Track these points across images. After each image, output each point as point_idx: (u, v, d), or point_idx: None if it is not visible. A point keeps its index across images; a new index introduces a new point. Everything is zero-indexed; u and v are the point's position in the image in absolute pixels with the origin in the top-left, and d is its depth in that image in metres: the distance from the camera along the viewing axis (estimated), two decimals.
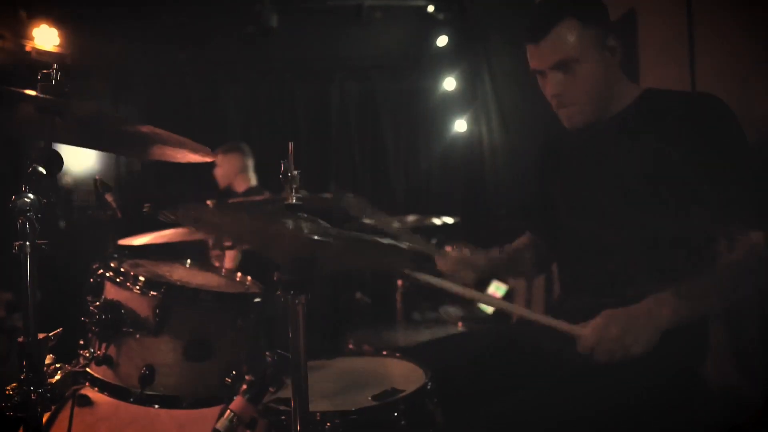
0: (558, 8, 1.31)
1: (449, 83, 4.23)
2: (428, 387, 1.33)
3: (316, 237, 0.89)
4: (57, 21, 3.72)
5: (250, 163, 3.37)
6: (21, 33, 3.62)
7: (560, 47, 1.31)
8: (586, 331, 1.15)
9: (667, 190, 1.28)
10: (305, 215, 1.00)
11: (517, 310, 1.40)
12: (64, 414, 1.36)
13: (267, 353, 1.19)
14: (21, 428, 1.03)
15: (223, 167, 3.34)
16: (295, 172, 1.01)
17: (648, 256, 1.32)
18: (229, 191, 3.31)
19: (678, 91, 1.40)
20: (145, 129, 1.11)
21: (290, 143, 0.97)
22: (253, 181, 3.35)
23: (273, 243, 1.07)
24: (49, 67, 1.05)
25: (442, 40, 4.07)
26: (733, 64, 1.64)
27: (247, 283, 1.53)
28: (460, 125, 4.21)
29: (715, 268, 1.22)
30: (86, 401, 1.40)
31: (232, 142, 3.44)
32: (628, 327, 1.12)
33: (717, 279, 1.20)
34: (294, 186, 1.01)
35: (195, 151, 1.20)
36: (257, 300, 1.41)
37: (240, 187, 3.31)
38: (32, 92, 1.02)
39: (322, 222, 1.01)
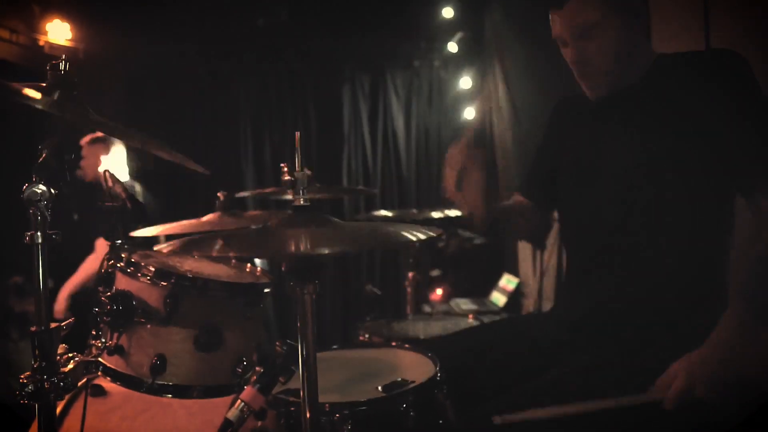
0: None
1: (462, 76, 4.20)
2: (437, 378, 1.33)
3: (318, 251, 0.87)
4: (69, 15, 3.74)
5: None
6: (34, 27, 3.65)
7: (584, 10, 1.26)
8: (670, 395, 1.09)
9: (679, 160, 1.24)
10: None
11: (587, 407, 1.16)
12: (78, 403, 1.37)
13: (277, 343, 1.19)
14: (35, 417, 1.05)
15: (88, 159, 3.12)
16: (307, 172, 0.97)
17: (656, 232, 1.29)
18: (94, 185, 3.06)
19: (691, 53, 1.34)
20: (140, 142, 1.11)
21: (297, 133, 0.94)
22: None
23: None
24: (59, 58, 1.05)
25: (456, 35, 4.05)
26: (748, 27, 1.59)
27: (258, 273, 1.53)
28: (471, 114, 4.18)
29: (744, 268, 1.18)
30: (100, 391, 1.41)
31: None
32: (711, 382, 1.07)
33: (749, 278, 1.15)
34: (302, 188, 0.96)
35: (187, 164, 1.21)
36: (267, 290, 1.41)
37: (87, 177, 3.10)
38: (41, 85, 1.02)
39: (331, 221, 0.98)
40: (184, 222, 1.94)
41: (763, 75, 1.21)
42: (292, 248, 0.88)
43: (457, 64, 4.26)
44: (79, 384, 1.33)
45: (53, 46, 3.68)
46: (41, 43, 3.66)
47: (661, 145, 1.27)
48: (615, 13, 1.27)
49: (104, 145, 3.15)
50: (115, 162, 3.15)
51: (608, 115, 1.39)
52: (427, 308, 3.29)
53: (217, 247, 0.83)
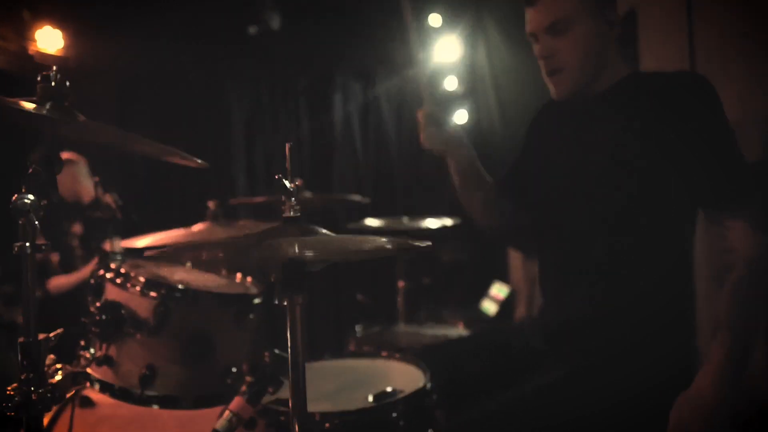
0: None
1: (450, 81, 4.22)
2: (427, 388, 1.33)
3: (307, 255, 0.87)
4: (60, 22, 3.73)
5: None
6: (24, 35, 3.64)
7: (557, 6, 1.32)
8: None
9: (642, 172, 1.27)
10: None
11: None
12: (66, 415, 1.36)
13: (266, 353, 1.19)
14: (22, 429, 1.04)
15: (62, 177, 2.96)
16: (297, 183, 0.97)
17: (621, 241, 1.30)
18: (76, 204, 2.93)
19: (664, 72, 1.38)
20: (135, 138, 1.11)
21: (287, 144, 0.95)
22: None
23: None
24: (49, 69, 1.05)
25: (442, 41, 4.07)
26: (732, 52, 1.62)
27: (247, 284, 1.53)
28: (461, 121, 4.21)
29: (725, 291, 1.17)
30: (88, 402, 1.40)
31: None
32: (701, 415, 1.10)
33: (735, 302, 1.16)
34: (292, 198, 0.96)
35: (185, 159, 1.20)
36: (257, 301, 1.41)
37: (86, 197, 2.94)
38: (32, 99, 1.02)
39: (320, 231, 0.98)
40: (174, 232, 1.93)
41: (747, 96, 1.24)
42: (282, 256, 0.89)
43: (447, 67, 4.28)
44: (68, 395, 1.32)
45: (43, 54, 3.67)
46: (31, 50, 3.65)
47: (623, 156, 1.29)
48: (587, 14, 1.31)
49: (71, 165, 2.98)
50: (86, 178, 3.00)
51: (575, 121, 1.42)
52: (418, 317, 3.29)
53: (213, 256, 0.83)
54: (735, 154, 1.22)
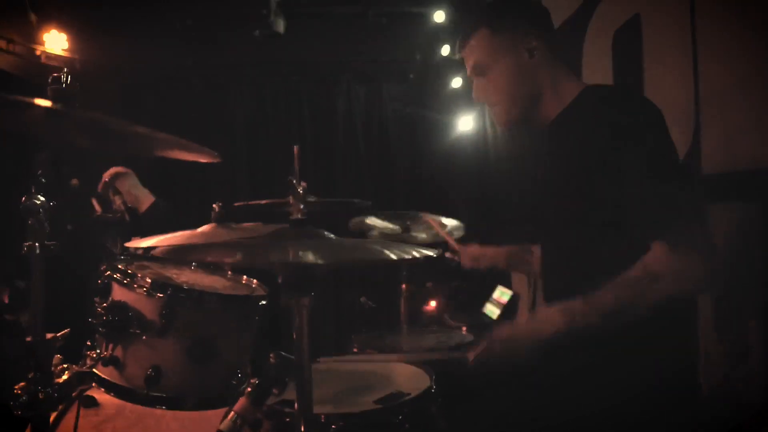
0: (473, 20, 1.46)
1: (456, 84, 4.21)
2: (432, 391, 1.34)
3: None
4: (67, 25, 3.76)
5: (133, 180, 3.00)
6: (31, 37, 3.66)
7: (473, 54, 1.45)
8: (470, 356, 1.30)
9: (591, 192, 1.28)
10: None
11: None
12: (71, 414, 1.37)
13: (271, 355, 1.20)
14: (29, 427, 1.05)
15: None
16: (302, 185, 0.98)
17: (618, 246, 1.30)
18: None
19: (609, 86, 1.43)
20: (150, 132, 1.12)
21: (295, 147, 0.96)
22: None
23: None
24: (59, 70, 1.06)
25: (446, 49, 4.07)
26: (736, 69, 1.64)
27: (253, 285, 1.54)
28: (466, 126, 4.21)
29: (607, 287, 1.21)
30: (92, 402, 1.41)
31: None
32: (510, 345, 1.27)
33: (607, 298, 1.20)
34: (300, 201, 0.98)
35: (198, 152, 1.21)
36: (262, 302, 1.42)
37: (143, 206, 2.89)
38: (43, 101, 1.03)
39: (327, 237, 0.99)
40: (179, 233, 1.94)
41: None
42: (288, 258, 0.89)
43: (451, 71, 4.28)
44: (73, 394, 1.33)
45: (50, 56, 3.69)
46: (38, 53, 3.67)
47: (576, 174, 1.31)
48: (501, 53, 1.42)
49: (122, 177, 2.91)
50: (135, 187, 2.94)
51: (541, 144, 1.50)
52: (421, 320, 3.29)
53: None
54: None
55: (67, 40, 3.77)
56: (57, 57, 3.69)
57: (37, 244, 0.99)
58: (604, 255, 1.29)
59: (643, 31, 2.10)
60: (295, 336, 1.01)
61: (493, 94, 1.45)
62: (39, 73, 3.56)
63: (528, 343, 1.26)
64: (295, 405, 1.01)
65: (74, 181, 1.52)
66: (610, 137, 1.24)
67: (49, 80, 1.05)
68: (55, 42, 3.72)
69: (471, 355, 1.30)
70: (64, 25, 3.75)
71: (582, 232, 1.33)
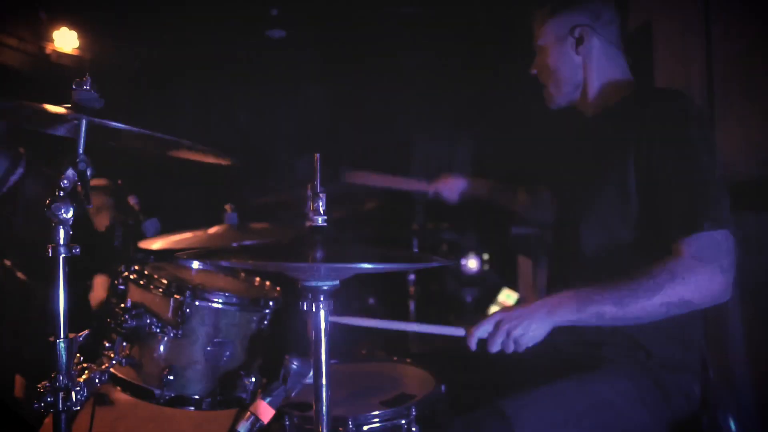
0: None
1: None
2: (439, 392, 1.35)
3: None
4: (76, 23, 3.77)
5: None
6: (41, 35, 3.68)
7: (537, 30, 1.52)
8: (470, 330, 1.34)
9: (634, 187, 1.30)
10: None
11: (408, 326, 1.58)
12: (85, 412, 1.39)
13: (286, 357, 1.21)
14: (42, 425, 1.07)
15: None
16: (322, 193, 0.99)
17: (626, 251, 1.34)
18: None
19: (656, 89, 1.44)
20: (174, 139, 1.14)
21: (316, 155, 0.97)
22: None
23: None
24: (72, 71, 1.08)
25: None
26: (749, 72, 1.64)
27: (266, 287, 1.56)
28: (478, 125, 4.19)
29: (624, 276, 1.22)
30: (106, 400, 1.43)
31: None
32: (518, 323, 1.26)
33: (623, 286, 1.21)
34: (320, 208, 0.99)
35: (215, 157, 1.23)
36: (276, 304, 1.43)
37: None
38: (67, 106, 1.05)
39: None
40: (191, 234, 1.96)
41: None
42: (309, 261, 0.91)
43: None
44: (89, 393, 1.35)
45: (60, 54, 3.71)
46: (48, 51, 3.68)
47: (615, 166, 1.34)
48: (553, 36, 1.48)
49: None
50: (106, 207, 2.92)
51: (578, 136, 1.54)
52: (429, 322, 3.29)
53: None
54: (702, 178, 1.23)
55: (77, 37, 3.79)
56: (67, 55, 3.70)
57: (62, 246, 1.01)
58: (627, 251, 1.31)
59: (654, 38, 2.11)
60: (313, 338, 1.02)
61: (543, 74, 1.53)
62: (49, 71, 3.58)
63: (537, 318, 1.26)
64: (313, 407, 1.03)
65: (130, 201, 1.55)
66: (653, 137, 1.27)
67: (72, 87, 1.07)
68: (65, 40, 3.74)
69: (468, 338, 1.35)
70: (74, 22, 3.76)
71: (609, 223, 1.34)
